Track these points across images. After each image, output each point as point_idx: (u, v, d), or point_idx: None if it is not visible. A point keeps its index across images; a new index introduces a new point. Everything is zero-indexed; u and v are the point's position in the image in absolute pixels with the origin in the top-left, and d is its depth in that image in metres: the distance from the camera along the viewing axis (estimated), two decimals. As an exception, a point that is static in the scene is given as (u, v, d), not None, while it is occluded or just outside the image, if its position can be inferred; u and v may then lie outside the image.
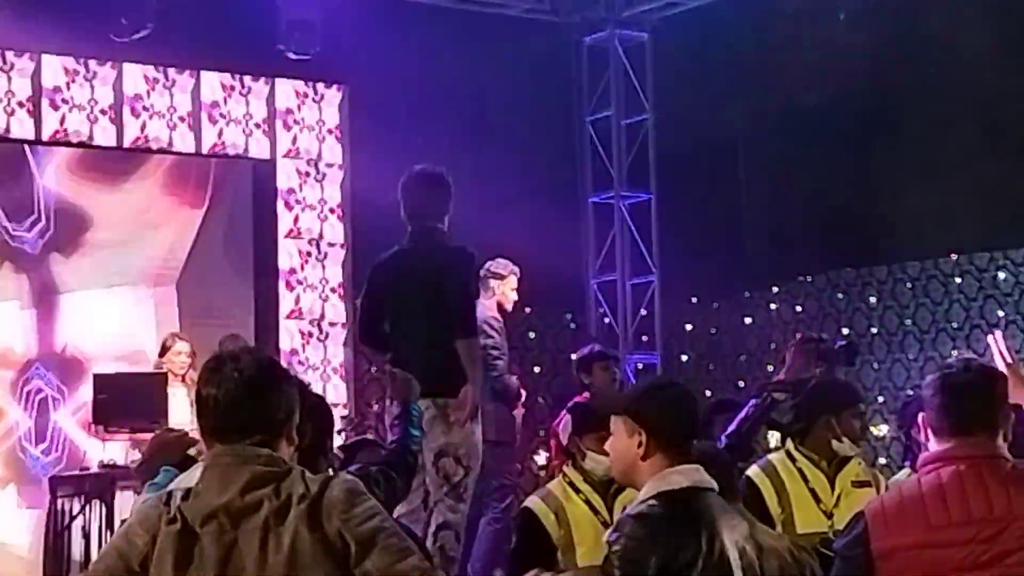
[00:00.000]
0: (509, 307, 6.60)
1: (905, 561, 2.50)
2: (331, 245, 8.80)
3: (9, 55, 7.51)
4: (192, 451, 2.99)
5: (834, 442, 3.91)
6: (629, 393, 3.42)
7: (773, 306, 10.01)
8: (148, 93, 7.97)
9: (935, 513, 2.50)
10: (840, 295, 9.58)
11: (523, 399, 6.81)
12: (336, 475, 2.47)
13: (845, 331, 9.24)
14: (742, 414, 4.23)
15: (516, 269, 6.54)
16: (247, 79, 8.31)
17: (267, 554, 2.17)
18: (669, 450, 2.64)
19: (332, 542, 2.16)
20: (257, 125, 8.46)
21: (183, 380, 6.75)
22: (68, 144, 7.81)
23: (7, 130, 7.63)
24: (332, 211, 8.92)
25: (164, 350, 7.23)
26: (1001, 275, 8.86)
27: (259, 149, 8.41)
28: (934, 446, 2.62)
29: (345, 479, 2.38)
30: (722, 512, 2.59)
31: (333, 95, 8.68)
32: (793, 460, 3.95)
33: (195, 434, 2.75)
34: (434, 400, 4.45)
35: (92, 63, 7.76)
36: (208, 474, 2.25)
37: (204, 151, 8.20)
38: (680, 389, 2.88)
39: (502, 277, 6.46)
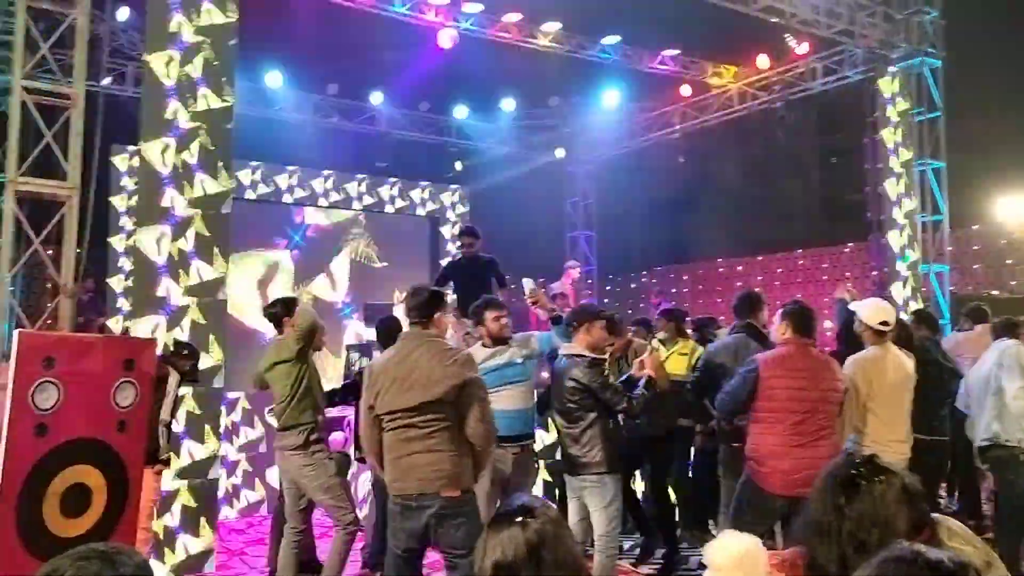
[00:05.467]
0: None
1: (774, 380, 4.08)
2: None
3: (329, 178, 14.76)
4: None
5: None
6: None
7: (643, 280, 17.80)
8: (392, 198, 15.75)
9: (788, 363, 4.12)
10: (671, 275, 17.29)
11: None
12: (459, 349, 3.93)
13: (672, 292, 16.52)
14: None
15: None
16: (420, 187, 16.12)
17: (421, 373, 3.63)
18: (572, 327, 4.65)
19: (455, 378, 3.69)
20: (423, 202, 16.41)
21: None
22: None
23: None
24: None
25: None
26: (739, 267, 16.00)
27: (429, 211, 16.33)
28: (791, 336, 4.21)
29: (465, 352, 3.90)
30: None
31: (462, 192, 16.09)
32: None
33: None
34: None
35: (356, 182, 15.71)
36: (401, 341, 3.86)
37: (417, 213, 16.08)
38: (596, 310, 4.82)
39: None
